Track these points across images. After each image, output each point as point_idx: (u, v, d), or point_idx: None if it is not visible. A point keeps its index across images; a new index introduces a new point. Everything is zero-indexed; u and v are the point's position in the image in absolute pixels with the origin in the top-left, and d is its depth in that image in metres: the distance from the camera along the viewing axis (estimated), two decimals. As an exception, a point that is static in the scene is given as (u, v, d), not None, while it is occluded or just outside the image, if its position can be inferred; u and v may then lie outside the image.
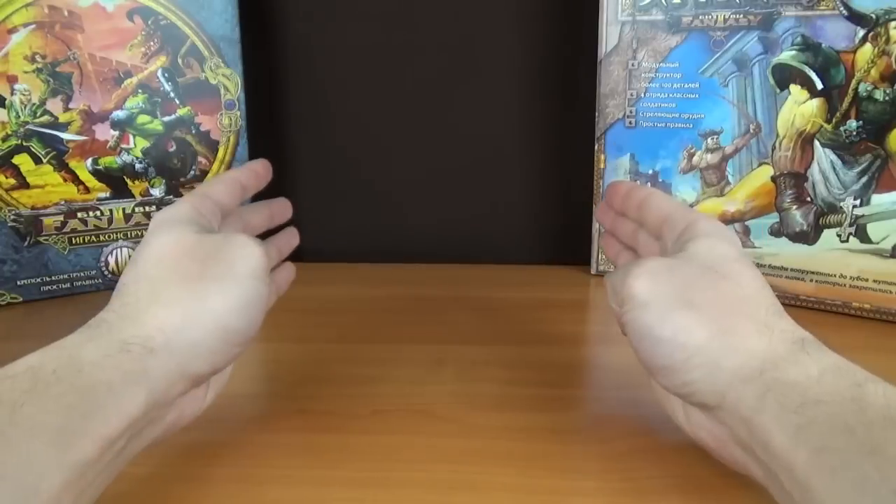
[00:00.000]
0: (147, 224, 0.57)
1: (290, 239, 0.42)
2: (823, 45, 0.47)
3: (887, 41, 0.45)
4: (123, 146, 0.55)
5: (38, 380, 0.25)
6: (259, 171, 0.39)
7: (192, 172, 0.57)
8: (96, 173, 0.54)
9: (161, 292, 0.30)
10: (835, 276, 0.49)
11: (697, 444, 0.31)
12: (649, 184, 0.54)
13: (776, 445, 0.25)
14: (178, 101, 0.55)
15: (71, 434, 0.24)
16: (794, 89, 0.48)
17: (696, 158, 0.52)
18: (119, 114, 0.54)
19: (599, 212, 0.40)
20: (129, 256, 0.57)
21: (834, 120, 0.47)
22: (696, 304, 0.29)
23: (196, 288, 0.30)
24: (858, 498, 0.22)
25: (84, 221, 0.55)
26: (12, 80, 0.50)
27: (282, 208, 0.41)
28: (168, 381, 0.28)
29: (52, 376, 0.26)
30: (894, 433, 0.23)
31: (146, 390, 0.27)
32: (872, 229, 0.48)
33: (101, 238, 0.56)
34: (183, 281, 0.30)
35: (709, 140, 0.52)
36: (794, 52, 0.48)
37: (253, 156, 0.59)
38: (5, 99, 0.50)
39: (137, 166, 0.55)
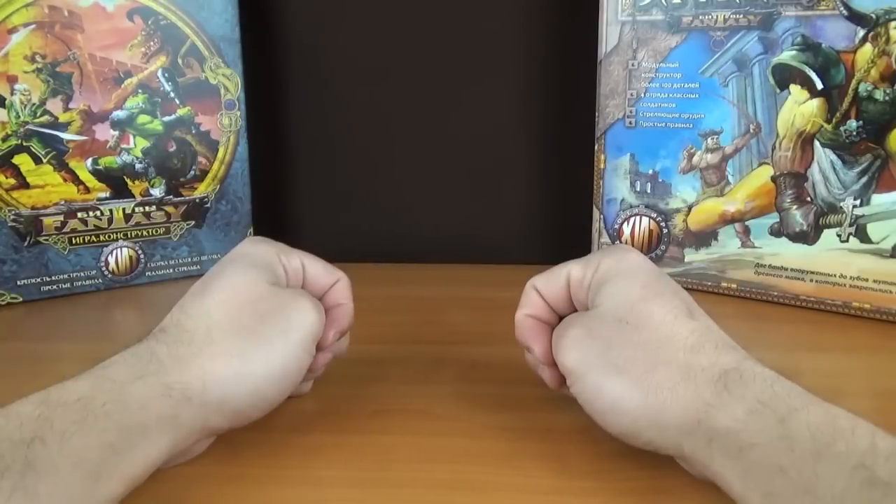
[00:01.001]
0: (147, 224, 0.57)
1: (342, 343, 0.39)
2: (823, 45, 0.47)
3: (887, 41, 0.45)
4: (123, 146, 0.55)
5: (89, 412, 0.26)
6: (345, 305, 0.37)
7: (192, 172, 0.57)
8: (96, 173, 0.54)
9: (214, 340, 0.31)
10: (835, 276, 0.49)
11: None
12: (649, 184, 0.54)
13: (735, 492, 0.26)
14: (178, 101, 0.55)
15: (105, 471, 0.26)
16: (794, 89, 0.48)
17: (696, 158, 0.52)
18: (119, 114, 0.54)
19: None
20: (129, 256, 0.57)
21: (834, 120, 0.47)
22: (622, 366, 0.30)
23: (245, 346, 0.31)
24: None
25: (84, 221, 0.55)
26: (12, 80, 0.50)
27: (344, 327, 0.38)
28: (191, 431, 0.30)
29: (101, 410, 0.27)
30: (822, 468, 0.24)
31: (173, 439, 0.29)
32: (872, 229, 0.48)
33: (101, 238, 0.56)
34: (237, 334, 0.31)
35: (709, 140, 0.52)
36: (794, 52, 0.48)
37: (253, 156, 0.59)
38: (5, 99, 0.50)
39: (137, 166, 0.55)
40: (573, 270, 0.34)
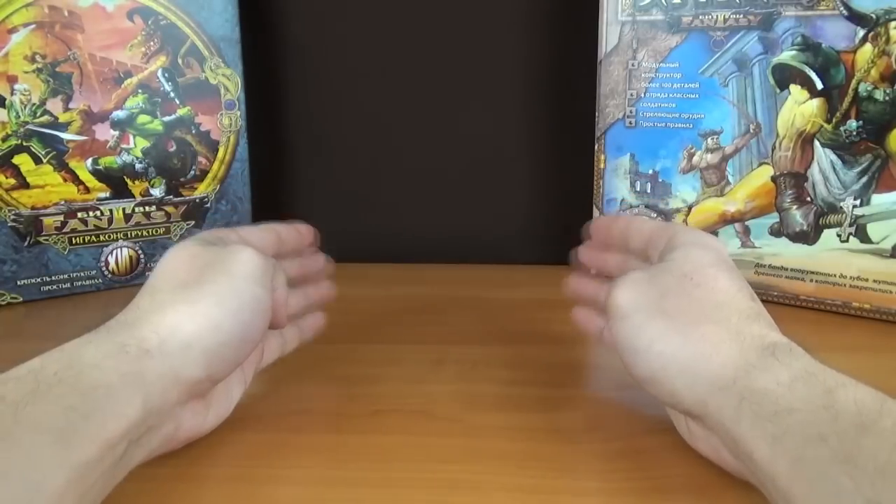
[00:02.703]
0: (147, 224, 0.57)
1: (324, 289, 0.42)
2: (823, 45, 0.47)
3: (887, 41, 0.45)
4: (123, 146, 0.55)
5: (40, 381, 0.26)
6: (301, 231, 0.40)
7: (192, 172, 0.57)
8: (96, 173, 0.54)
9: (160, 300, 0.31)
10: (835, 276, 0.49)
11: (701, 453, 0.31)
12: (649, 184, 0.54)
13: (758, 456, 0.26)
14: (178, 101, 0.55)
15: (73, 434, 0.25)
16: (794, 89, 0.48)
17: (696, 158, 0.52)
18: (119, 114, 0.54)
19: (585, 253, 0.41)
20: (129, 256, 0.57)
21: (834, 120, 0.47)
22: (670, 312, 0.30)
23: (191, 292, 0.31)
24: None
25: (84, 221, 0.55)
26: (12, 80, 0.50)
27: (317, 263, 0.42)
28: (163, 385, 0.29)
29: (53, 378, 0.26)
30: (866, 441, 0.23)
31: (143, 394, 0.28)
32: (872, 229, 0.48)
33: (101, 238, 0.56)
34: (181, 287, 0.31)
35: (709, 140, 0.52)
36: (794, 52, 0.48)
37: (253, 156, 0.59)
38: (5, 99, 0.50)
39: (137, 166, 0.55)
40: (656, 231, 0.35)
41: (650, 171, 0.54)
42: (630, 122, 0.54)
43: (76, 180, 0.54)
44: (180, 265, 0.32)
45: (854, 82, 0.46)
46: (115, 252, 0.56)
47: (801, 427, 0.25)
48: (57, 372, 0.26)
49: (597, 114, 0.55)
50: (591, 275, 0.41)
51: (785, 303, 0.51)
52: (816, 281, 0.50)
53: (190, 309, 0.30)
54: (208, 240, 0.35)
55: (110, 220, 0.56)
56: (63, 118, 0.52)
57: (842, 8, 0.45)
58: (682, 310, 0.30)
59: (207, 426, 0.33)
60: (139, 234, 0.57)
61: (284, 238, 0.39)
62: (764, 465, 0.25)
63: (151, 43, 0.53)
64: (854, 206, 0.48)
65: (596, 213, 0.56)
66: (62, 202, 0.54)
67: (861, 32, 0.45)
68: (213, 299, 0.31)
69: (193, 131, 0.56)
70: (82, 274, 0.55)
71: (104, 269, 0.56)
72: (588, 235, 0.40)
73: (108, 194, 0.55)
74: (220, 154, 0.58)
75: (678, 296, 0.30)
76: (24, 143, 0.52)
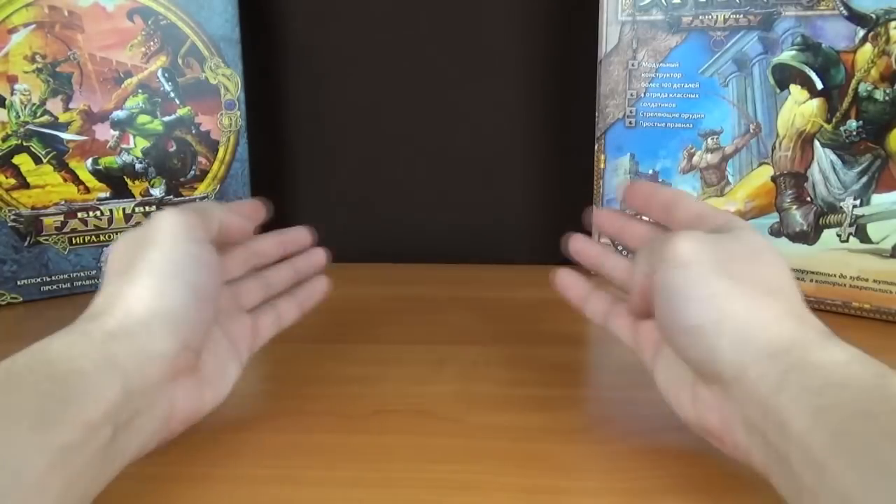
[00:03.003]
0: (147, 224, 0.57)
1: (312, 255, 0.42)
2: (823, 45, 0.47)
3: (887, 41, 0.45)
4: (123, 146, 0.55)
5: (11, 373, 0.26)
6: (257, 205, 0.40)
7: (192, 172, 0.57)
8: (96, 173, 0.54)
9: (108, 291, 0.31)
10: (835, 276, 0.49)
11: (701, 429, 0.30)
12: (649, 184, 0.54)
13: (793, 426, 0.25)
14: (178, 101, 0.55)
15: (50, 418, 0.25)
16: (794, 89, 0.48)
17: (696, 158, 0.52)
18: (119, 114, 0.54)
19: (601, 217, 0.40)
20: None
21: (834, 120, 0.47)
22: (736, 276, 0.29)
23: (130, 273, 0.31)
24: (879, 480, 0.22)
25: (84, 221, 0.55)
26: (12, 80, 0.50)
27: (297, 236, 0.41)
28: (137, 363, 0.29)
29: (24, 369, 0.27)
30: None
31: (120, 376, 0.28)
32: (872, 229, 0.48)
33: (102, 238, 0.56)
34: (122, 273, 0.32)
35: (709, 140, 0.52)
36: (794, 52, 0.48)
37: (253, 156, 0.59)
38: (5, 99, 0.50)
39: (137, 166, 0.55)
40: (709, 211, 0.34)
41: (650, 171, 0.54)
42: (630, 122, 0.54)
43: (76, 180, 0.54)
44: (116, 256, 0.33)
45: (854, 82, 0.46)
46: (115, 252, 0.56)
47: (850, 402, 0.25)
48: (27, 363, 0.27)
49: (597, 114, 0.55)
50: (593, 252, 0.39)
51: (785, 303, 0.51)
52: (816, 281, 0.50)
53: (132, 288, 0.31)
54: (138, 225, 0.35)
55: (110, 220, 0.56)
56: (63, 118, 0.52)
57: (842, 8, 0.45)
58: (749, 278, 0.29)
59: (206, 406, 0.33)
60: (139, 234, 0.57)
61: (243, 211, 0.39)
62: (798, 435, 0.25)
63: (151, 43, 0.53)
64: (854, 206, 0.48)
65: (596, 213, 0.56)
66: (62, 202, 0.54)
67: (861, 32, 0.45)
68: (147, 271, 0.31)
69: (193, 131, 0.56)
70: (82, 274, 0.55)
71: (104, 269, 0.56)
72: (621, 198, 0.38)
73: (108, 194, 0.55)
74: (220, 154, 0.58)
75: (747, 264, 0.29)
76: (24, 143, 0.52)
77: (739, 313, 0.28)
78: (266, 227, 0.40)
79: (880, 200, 0.47)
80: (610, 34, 0.52)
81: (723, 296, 0.28)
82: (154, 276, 0.31)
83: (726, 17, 0.49)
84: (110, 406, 0.27)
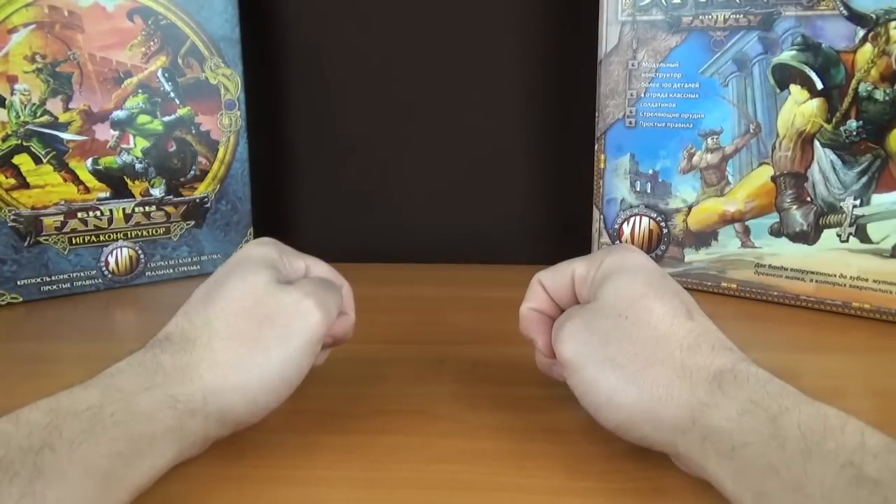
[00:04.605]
0: (147, 224, 0.57)
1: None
2: (823, 45, 0.47)
3: (887, 41, 0.45)
4: (123, 146, 0.55)
5: (97, 421, 0.27)
6: (348, 330, 0.38)
7: (192, 172, 0.57)
8: (96, 173, 0.54)
9: (214, 349, 0.31)
10: (835, 276, 0.49)
11: None
12: (649, 184, 0.54)
13: (728, 491, 0.27)
14: (178, 101, 0.55)
15: (114, 479, 0.26)
16: (794, 89, 0.48)
17: (696, 158, 0.52)
18: (119, 114, 0.54)
19: (524, 321, 0.37)
20: (129, 256, 0.57)
21: (834, 120, 0.47)
22: (619, 361, 0.30)
23: (243, 355, 0.31)
24: None
25: (84, 221, 0.55)
26: (12, 80, 0.50)
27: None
28: (195, 441, 0.30)
29: (109, 419, 0.27)
30: (812, 467, 0.24)
31: (178, 449, 0.29)
32: (872, 229, 0.48)
33: (101, 238, 0.56)
34: (237, 342, 0.31)
35: (709, 140, 0.52)
36: (794, 52, 0.48)
37: (253, 156, 0.59)
38: (5, 99, 0.50)
39: (137, 166, 0.55)
40: (578, 267, 0.35)
41: (650, 171, 0.54)
42: (630, 122, 0.54)
43: (76, 180, 0.54)
44: (242, 307, 0.32)
45: (854, 82, 0.46)
46: (115, 252, 0.56)
47: (754, 459, 0.25)
48: (114, 414, 0.27)
49: (597, 114, 0.55)
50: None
51: (785, 303, 0.51)
52: (816, 281, 0.50)
53: (236, 378, 0.30)
54: (278, 269, 0.34)
55: (110, 220, 0.56)
56: (63, 118, 0.52)
57: (842, 8, 0.45)
58: (628, 355, 0.30)
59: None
60: (139, 234, 0.57)
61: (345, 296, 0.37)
62: (734, 499, 0.26)
63: (151, 43, 0.53)
64: (854, 206, 0.48)
65: (596, 213, 0.56)
66: (62, 202, 0.54)
67: (861, 32, 0.45)
68: (259, 372, 0.31)
69: (193, 131, 0.56)
70: (82, 274, 0.55)
71: (104, 269, 0.56)
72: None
73: (108, 194, 0.55)
74: (220, 154, 0.58)
75: (620, 340, 0.30)
76: (24, 143, 0.52)
77: (639, 404, 0.29)
78: (266, 228, 0.40)
79: (880, 200, 0.47)
80: (610, 34, 0.52)
81: (619, 393, 0.30)
82: (261, 378, 0.31)
83: (726, 17, 0.49)
84: (160, 472, 0.29)
